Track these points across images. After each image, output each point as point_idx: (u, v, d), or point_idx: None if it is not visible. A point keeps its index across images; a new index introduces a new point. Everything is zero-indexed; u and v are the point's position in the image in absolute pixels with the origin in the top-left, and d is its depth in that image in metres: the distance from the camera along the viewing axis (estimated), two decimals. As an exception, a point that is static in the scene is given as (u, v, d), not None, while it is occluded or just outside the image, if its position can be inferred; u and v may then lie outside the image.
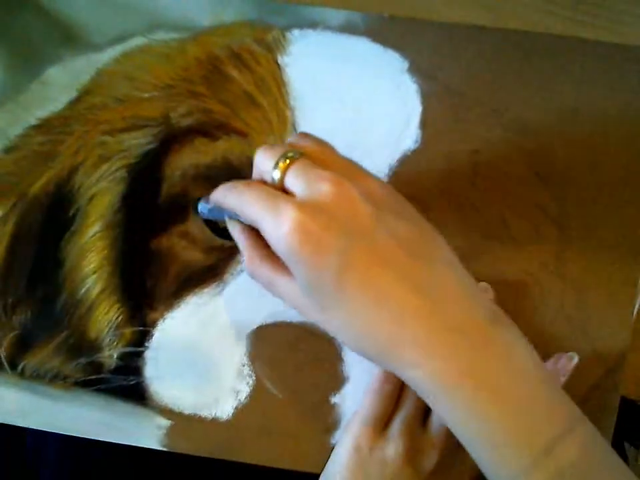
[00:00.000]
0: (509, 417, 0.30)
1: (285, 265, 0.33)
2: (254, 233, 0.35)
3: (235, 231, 0.36)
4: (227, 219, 0.37)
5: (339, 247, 0.30)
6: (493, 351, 0.31)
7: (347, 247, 0.30)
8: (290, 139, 0.35)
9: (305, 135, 0.35)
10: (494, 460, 0.31)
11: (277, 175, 0.33)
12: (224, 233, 0.42)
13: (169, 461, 0.44)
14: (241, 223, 0.36)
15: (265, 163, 0.33)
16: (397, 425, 0.38)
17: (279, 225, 0.31)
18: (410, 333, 0.30)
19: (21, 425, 0.43)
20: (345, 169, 0.33)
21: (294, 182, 0.32)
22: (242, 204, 0.33)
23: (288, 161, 0.32)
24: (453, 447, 0.38)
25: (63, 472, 0.48)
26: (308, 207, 0.31)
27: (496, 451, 0.30)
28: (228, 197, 0.35)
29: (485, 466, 0.31)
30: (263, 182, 0.34)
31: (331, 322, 0.32)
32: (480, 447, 0.31)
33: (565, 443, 0.30)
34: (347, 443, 0.39)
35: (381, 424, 0.39)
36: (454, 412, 0.31)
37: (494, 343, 0.31)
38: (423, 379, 0.30)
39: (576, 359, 0.40)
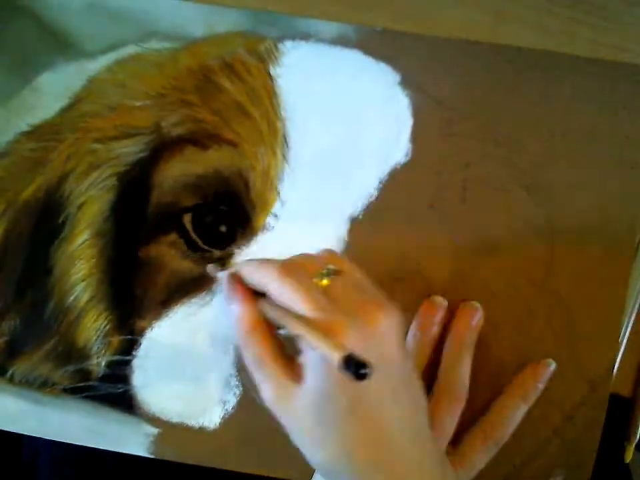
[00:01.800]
0: None
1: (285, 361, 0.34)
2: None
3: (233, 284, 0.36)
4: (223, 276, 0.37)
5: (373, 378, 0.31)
6: None
7: (375, 375, 0.30)
8: (319, 253, 0.37)
9: (334, 252, 0.37)
10: None
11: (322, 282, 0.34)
12: (213, 242, 0.42)
13: (163, 464, 0.44)
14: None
15: (304, 296, 0.33)
16: None
17: (332, 347, 0.30)
18: (391, 464, 0.33)
19: (8, 430, 0.43)
20: (377, 296, 0.34)
21: (340, 295, 0.33)
22: (290, 300, 0.33)
23: (330, 277, 0.33)
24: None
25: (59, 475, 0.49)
26: (353, 330, 0.32)
27: None
28: (276, 285, 0.34)
29: None
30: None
31: (318, 435, 0.33)
32: None
33: None
34: None
35: None
36: None
37: None
38: None
39: (552, 366, 0.41)
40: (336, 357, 0.28)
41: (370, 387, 0.31)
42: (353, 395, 0.32)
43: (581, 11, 0.40)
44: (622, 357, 0.42)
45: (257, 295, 0.36)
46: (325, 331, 0.31)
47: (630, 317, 0.42)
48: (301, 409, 0.33)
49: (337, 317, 0.32)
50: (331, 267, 0.34)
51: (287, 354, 0.35)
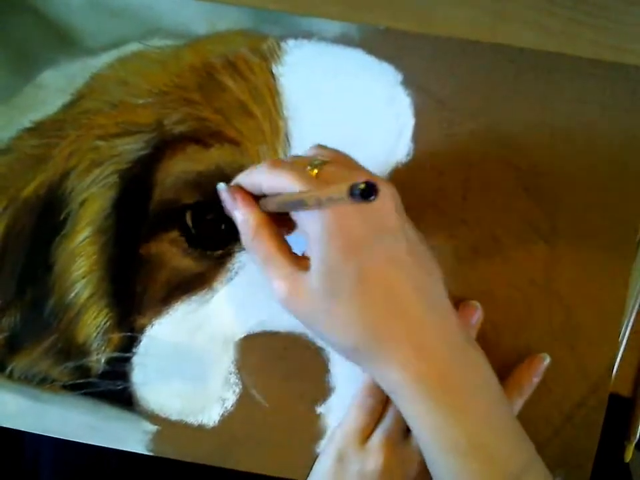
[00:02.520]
0: (480, 434, 0.33)
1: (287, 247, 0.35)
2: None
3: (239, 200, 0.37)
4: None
5: (370, 243, 0.32)
6: (470, 368, 0.34)
7: (376, 244, 0.33)
8: (307, 151, 0.37)
9: (323, 146, 0.37)
10: (456, 472, 0.33)
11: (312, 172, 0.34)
12: (213, 240, 0.42)
13: (165, 464, 0.44)
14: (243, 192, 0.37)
15: (298, 181, 0.33)
16: (378, 438, 0.39)
17: (321, 212, 0.32)
18: (410, 333, 0.33)
19: (7, 426, 0.43)
20: (368, 172, 0.35)
21: (331, 176, 0.33)
22: (283, 183, 0.34)
23: (318, 166, 0.34)
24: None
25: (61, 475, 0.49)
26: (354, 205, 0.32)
27: (461, 463, 0.33)
28: (269, 176, 0.35)
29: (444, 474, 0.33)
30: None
31: (335, 313, 0.33)
32: (444, 454, 0.33)
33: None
34: (329, 454, 0.39)
35: (363, 436, 0.39)
36: (421, 420, 0.33)
37: (469, 361, 0.34)
38: (406, 380, 0.32)
39: (547, 360, 0.41)
40: (343, 188, 0.27)
41: (372, 253, 0.32)
42: (358, 265, 0.32)
43: (582, 11, 0.40)
44: (622, 356, 0.42)
45: (257, 198, 0.36)
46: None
47: (630, 317, 0.42)
48: (314, 293, 0.33)
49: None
50: (319, 157, 0.35)
51: (292, 251, 0.36)
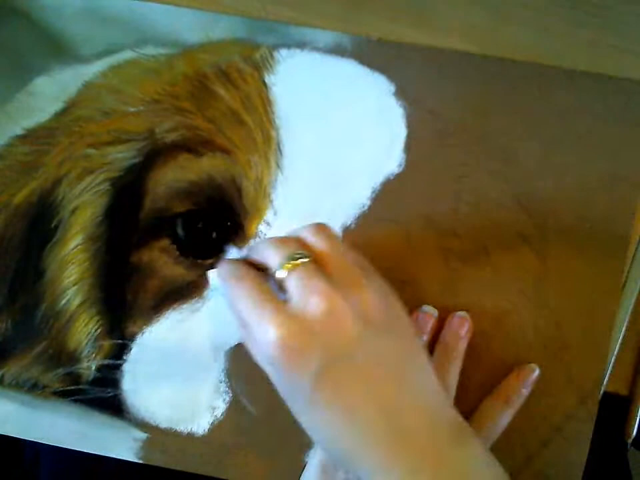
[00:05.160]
0: None
1: None
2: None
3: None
4: None
5: (317, 365, 0.32)
6: (457, 473, 0.32)
7: (324, 365, 0.32)
8: (305, 230, 0.36)
9: (320, 230, 0.36)
10: None
11: (280, 274, 0.34)
12: (204, 249, 0.42)
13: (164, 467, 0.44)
14: None
15: (272, 257, 0.35)
16: None
17: (264, 333, 0.32)
18: (371, 453, 0.32)
19: (-2, 432, 0.43)
20: (349, 278, 0.34)
21: (293, 288, 0.33)
22: (234, 298, 0.34)
23: (294, 264, 0.34)
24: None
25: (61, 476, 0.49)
26: (295, 321, 0.32)
27: None
28: (226, 283, 0.36)
29: None
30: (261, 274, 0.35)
31: (302, 423, 0.34)
32: None
33: None
34: (314, 464, 0.39)
35: None
36: None
37: (454, 467, 0.32)
38: None
39: (537, 371, 0.41)
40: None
41: (322, 374, 0.32)
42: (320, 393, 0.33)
43: (581, 11, 0.40)
44: (618, 355, 0.42)
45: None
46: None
47: (626, 315, 0.42)
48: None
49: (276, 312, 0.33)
50: (301, 252, 0.34)
51: None
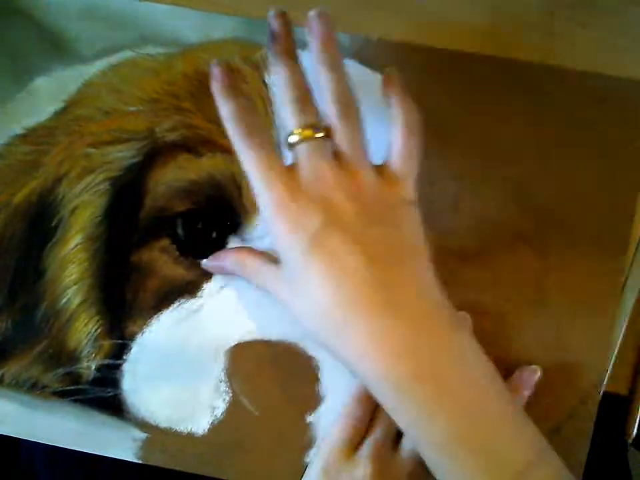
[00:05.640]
0: (473, 428, 0.30)
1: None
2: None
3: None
4: None
5: (314, 229, 0.32)
6: (450, 356, 0.31)
7: (320, 229, 0.32)
8: (331, 104, 0.35)
9: (340, 100, 0.35)
10: (451, 470, 0.31)
11: (292, 139, 0.34)
12: (204, 248, 0.42)
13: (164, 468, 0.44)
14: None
15: (289, 117, 0.34)
16: (366, 449, 0.39)
17: (268, 192, 0.33)
18: (364, 322, 0.31)
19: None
20: (356, 157, 0.35)
21: (301, 159, 0.34)
22: (246, 158, 0.34)
23: (307, 134, 0.34)
24: (422, 472, 0.38)
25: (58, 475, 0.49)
26: (296, 185, 0.33)
27: (453, 459, 0.31)
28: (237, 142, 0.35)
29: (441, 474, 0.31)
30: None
31: (296, 301, 0.34)
32: (435, 450, 0.31)
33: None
34: (316, 464, 0.39)
35: (351, 447, 0.39)
36: (403, 414, 0.31)
37: (451, 348, 0.32)
38: (373, 373, 0.31)
39: (539, 372, 0.41)
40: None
41: (316, 238, 0.32)
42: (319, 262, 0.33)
43: (581, 11, 0.40)
44: (618, 355, 0.42)
45: None
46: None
47: (626, 315, 0.42)
48: (284, 287, 0.35)
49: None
50: (314, 124, 0.34)
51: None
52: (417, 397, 0.30)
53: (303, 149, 0.34)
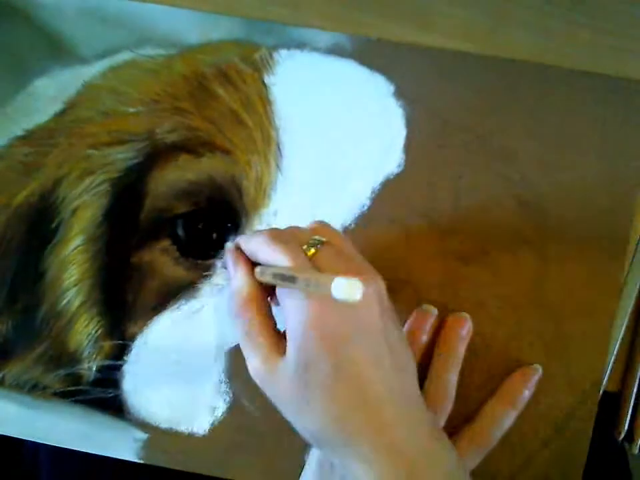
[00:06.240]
0: None
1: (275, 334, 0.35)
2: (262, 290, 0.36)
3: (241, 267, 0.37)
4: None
5: (350, 341, 0.32)
6: (437, 468, 0.33)
7: (356, 342, 0.33)
8: (310, 225, 0.37)
9: (325, 225, 0.37)
10: None
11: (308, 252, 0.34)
12: (204, 250, 0.42)
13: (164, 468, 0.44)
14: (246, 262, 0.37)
15: (288, 247, 0.34)
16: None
17: (305, 301, 0.33)
18: (379, 431, 0.32)
19: (-1, 433, 0.44)
20: (362, 264, 0.36)
21: (325, 262, 0.34)
22: (278, 259, 0.34)
23: (315, 248, 0.34)
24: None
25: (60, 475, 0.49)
26: (328, 303, 0.32)
27: None
28: (266, 248, 0.35)
29: None
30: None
31: (306, 403, 0.33)
32: None
33: None
34: (312, 460, 0.39)
35: None
36: None
37: (439, 461, 0.34)
38: (370, 477, 0.32)
39: (540, 371, 0.41)
40: (329, 280, 0.28)
41: (350, 352, 0.32)
42: (334, 361, 0.32)
43: (581, 12, 0.40)
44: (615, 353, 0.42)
45: (255, 265, 0.37)
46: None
47: (626, 315, 0.42)
48: (286, 379, 0.33)
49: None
50: (317, 237, 0.35)
51: (276, 330, 0.36)
52: None
53: (323, 256, 0.34)
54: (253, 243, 0.36)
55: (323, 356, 0.32)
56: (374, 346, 0.33)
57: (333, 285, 0.27)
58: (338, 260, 0.34)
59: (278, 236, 0.35)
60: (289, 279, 0.32)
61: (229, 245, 0.39)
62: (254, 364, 0.35)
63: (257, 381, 0.35)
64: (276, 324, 0.36)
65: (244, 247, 0.37)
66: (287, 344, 0.34)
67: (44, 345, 0.42)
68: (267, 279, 0.35)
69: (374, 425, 0.33)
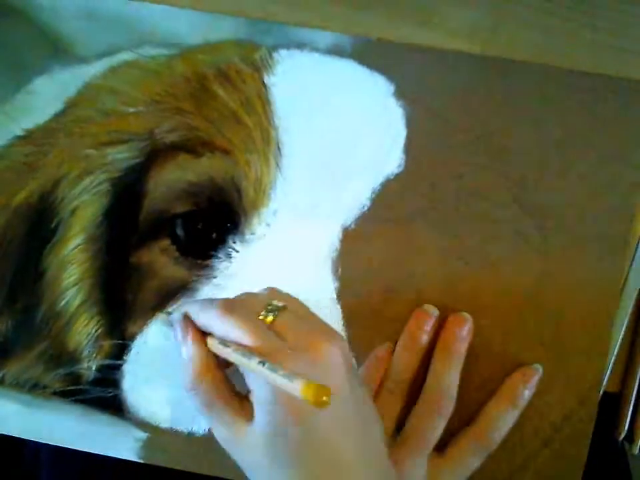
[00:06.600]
0: None
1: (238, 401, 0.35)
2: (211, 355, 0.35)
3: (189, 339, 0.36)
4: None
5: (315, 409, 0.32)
6: None
7: (327, 411, 0.31)
8: (261, 291, 0.37)
9: (278, 290, 0.37)
10: None
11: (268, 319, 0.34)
12: (204, 250, 0.42)
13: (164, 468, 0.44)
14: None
15: (245, 313, 0.34)
16: None
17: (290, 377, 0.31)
18: None
19: (-1, 432, 0.44)
20: (323, 326, 0.36)
21: (286, 329, 0.34)
22: (235, 333, 0.33)
23: (274, 314, 0.34)
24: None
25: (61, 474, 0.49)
26: (301, 362, 0.32)
27: None
28: (221, 321, 0.34)
29: None
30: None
31: (273, 470, 0.33)
32: None
33: None
34: None
35: None
36: None
37: None
38: None
39: (539, 372, 0.41)
40: (298, 384, 0.29)
41: (319, 419, 0.32)
42: (303, 428, 0.32)
43: (581, 11, 0.40)
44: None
45: (207, 334, 0.36)
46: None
47: (626, 315, 0.42)
48: (254, 447, 0.33)
49: (283, 350, 0.33)
50: (275, 302, 0.35)
51: (237, 393, 0.35)
52: None
53: (280, 323, 0.34)
54: (205, 316, 0.35)
55: (291, 423, 0.32)
56: (341, 412, 0.33)
57: (301, 389, 0.28)
58: (299, 325, 0.34)
59: (231, 307, 0.35)
60: (247, 368, 0.32)
61: (177, 316, 0.37)
62: (219, 432, 0.35)
63: (225, 448, 0.35)
64: (234, 386, 0.35)
65: (194, 319, 0.36)
66: (255, 408, 0.33)
67: (44, 344, 0.43)
68: (225, 355, 0.34)
69: None
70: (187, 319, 0.37)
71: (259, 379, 0.33)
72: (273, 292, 0.37)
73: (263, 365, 0.31)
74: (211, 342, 0.35)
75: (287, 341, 0.33)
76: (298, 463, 0.32)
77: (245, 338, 0.33)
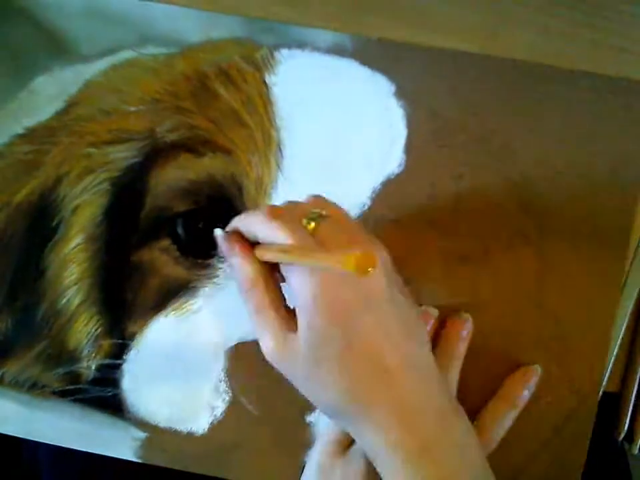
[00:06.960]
0: None
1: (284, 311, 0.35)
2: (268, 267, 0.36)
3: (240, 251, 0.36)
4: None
5: (359, 312, 0.33)
6: (452, 438, 0.34)
7: (365, 313, 0.33)
8: (307, 199, 0.37)
9: (322, 198, 0.37)
10: None
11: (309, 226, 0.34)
12: (205, 249, 0.42)
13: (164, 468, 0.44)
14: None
15: (288, 219, 0.34)
16: (359, 446, 0.39)
17: (311, 277, 0.32)
18: (394, 400, 0.33)
19: (-3, 431, 0.44)
20: (365, 236, 0.35)
21: (328, 236, 0.33)
22: (278, 236, 0.34)
23: (317, 221, 0.34)
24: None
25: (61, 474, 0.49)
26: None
27: None
28: (264, 226, 0.35)
29: None
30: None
31: (319, 376, 0.33)
32: None
33: None
34: (312, 461, 0.39)
35: (345, 443, 0.39)
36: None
37: (453, 431, 0.34)
38: (386, 445, 0.32)
39: (539, 372, 0.41)
40: (339, 259, 0.28)
41: (361, 322, 0.32)
42: (345, 333, 0.32)
43: (581, 11, 0.40)
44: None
45: (254, 245, 0.36)
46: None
47: (626, 315, 0.42)
48: (300, 355, 0.33)
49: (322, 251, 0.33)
50: (317, 210, 0.35)
51: (286, 306, 0.35)
52: (422, 475, 0.32)
53: (324, 230, 0.34)
54: (249, 221, 0.36)
55: (333, 329, 0.32)
56: (383, 316, 0.33)
57: (342, 263, 0.27)
58: (340, 233, 0.34)
59: (276, 212, 0.35)
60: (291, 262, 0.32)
61: (218, 232, 0.38)
62: (266, 342, 0.35)
63: (270, 359, 0.35)
64: (285, 300, 0.36)
65: (240, 226, 0.37)
66: (298, 320, 0.33)
67: (43, 343, 0.42)
68: (270, 257, 0.35)
69: (386, 394, 0.33)
70: (230, 234, 0.37)
71: (302, 280, 0.33)
72: (317, 200, 0.37)
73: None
74: (258, 250, 0.36)
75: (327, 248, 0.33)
76: (340, 368, 0.33)
77: (289, 240, 0.33)
